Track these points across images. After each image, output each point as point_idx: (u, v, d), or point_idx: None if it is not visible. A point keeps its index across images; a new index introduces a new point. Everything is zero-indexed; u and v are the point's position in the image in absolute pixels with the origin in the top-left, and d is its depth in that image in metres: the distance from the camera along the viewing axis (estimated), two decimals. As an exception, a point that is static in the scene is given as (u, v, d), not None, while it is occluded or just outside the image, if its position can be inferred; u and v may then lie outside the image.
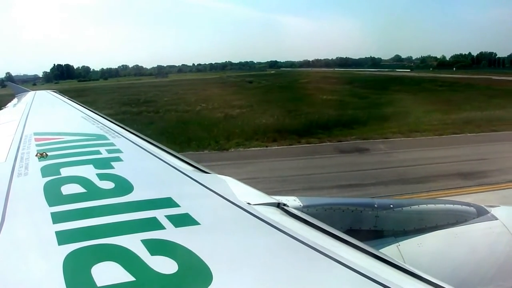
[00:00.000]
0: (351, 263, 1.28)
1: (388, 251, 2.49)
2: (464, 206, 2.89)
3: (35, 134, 3.54)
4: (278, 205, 1.84)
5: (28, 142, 3.20)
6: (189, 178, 2.19)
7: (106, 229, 1.48)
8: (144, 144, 3.14)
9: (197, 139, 19.93)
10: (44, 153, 2.67)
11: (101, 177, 2.11)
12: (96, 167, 2.33)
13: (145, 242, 1.36)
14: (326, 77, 79.22)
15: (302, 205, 2.53)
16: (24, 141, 3.26)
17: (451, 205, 2.87)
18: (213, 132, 21.49)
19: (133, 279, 1.15)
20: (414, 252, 2.59)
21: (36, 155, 2.66)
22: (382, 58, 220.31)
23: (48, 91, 10.22)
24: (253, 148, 18.88)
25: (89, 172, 2.21)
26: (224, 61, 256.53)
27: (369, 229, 2.64)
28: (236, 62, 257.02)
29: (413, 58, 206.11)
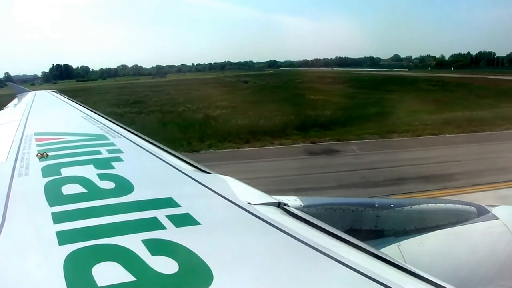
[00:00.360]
0: (351, 263, 1.27)
1: (389, 250, 2.49)
2: (464, 206, 2.89)
3: (36, 134, 3.54)
4: (279, 205, 1.84)
5: (29, 142, 3.20)
6: (189, 178, 2.19)
7: (106, 229, 1.48)
8: (145, 144, 3.14)
9: (171, 140, 19.70)
10: (45, 153, 2.67)
11: (102, 177, 2.11)
12: (96, 167, 2.33)
13: (146, 242, 1.36)
14: (322, 77, 79.49)
15: (302, 205, 2.53)
16: (24, 141, 3.26)
17: (452, 205, 2.87)
18: (188, 134, 21.51)
19: (133, 279, 1.15)
20: (415, 252, 2.59)
21: (37, 155, 2.66)
22: (381, 58, 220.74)
23: (49, 91, 10.23)
24: (224, 150, 18.85)
25: (89, 172, 2.21)
26: (223, 61, 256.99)
27: (369, 229, 2.64)
28: (236, 62, 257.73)
29: (413, 58, 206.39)
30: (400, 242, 2.62)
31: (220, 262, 1.26)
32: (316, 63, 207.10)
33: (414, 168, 14.37)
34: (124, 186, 1.98)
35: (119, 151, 2.80)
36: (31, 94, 9.49)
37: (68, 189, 1.95)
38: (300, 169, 14.72)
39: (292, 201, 2.51)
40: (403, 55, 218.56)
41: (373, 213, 2.65)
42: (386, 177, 13.39)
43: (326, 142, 19.74)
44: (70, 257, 1.28)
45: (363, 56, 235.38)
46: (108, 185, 2.01)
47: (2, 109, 7.28)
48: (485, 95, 38.26)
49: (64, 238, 1.42)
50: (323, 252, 1.35)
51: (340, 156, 17.24)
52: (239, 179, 2.15)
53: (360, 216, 2.64)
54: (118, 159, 2.54)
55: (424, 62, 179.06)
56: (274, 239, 1.47)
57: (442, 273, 1.88)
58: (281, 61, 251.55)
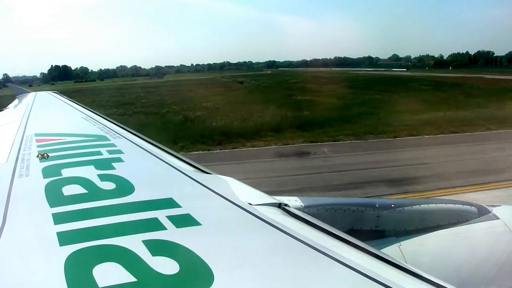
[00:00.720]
0: (352, 263, 1.27)
1: (390, 251, 2.49)
2: (465, 206, 2.89)
3: (36, 135, 3.54)
4: (280, 206, 1.85)
5: (29, 143, 3.21)
6: (190, 179, 2.19)
7: (107, 229, 1.48)
8: (145, 145, 3.15)
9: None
10: (45, 154, 2.67)
11: (102, 177, 2.12)
12: (97, 168, 2.33)
13: (147, 243, 1.36)
14: (318, 77, 79.62)
15: (303, 205, 2.53)
16: (25, 142, 3.26)
17: (453, 205, 2.87)
18: (163, 135, 21.13)
19: (134, 279, 1.15)
20: (416, 252, 2.58)
21: (37, 156, 2.67)
22: (380, 58, 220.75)
23: (49, 92, 10.25)
24: (194, 152, 18.58)
25: (90, 173, 2.21)
26: (222, 62, 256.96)
27: (370, 229, 2.64)
28: (235, 62, 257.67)
29: (412, 58, 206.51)
30: (401, 242, 2.62)
31: (221, 263, 1.26)
32: (315, 63, 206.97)
33: (376, 172, 14.15)
34: (124, 187, 1.98)
35: (119, 151, 2.80)
36: (31, 95, 9.50)
37: (69, 190, 1.95)
38: (260, 172, 14.39)
39: (293, 201, 2.50)
40: (402, 55, 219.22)
41: (374, 213, 2.65)
42: (349, 181, 13.17)
43: (298, 144, 19.42)
44: (71, 258, 1.28)
45: (362, 56, 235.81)
46: (109, 185, 2.01)
47: (3, 110, 7.29)
48: (476, 95, 38.21)
49: (65, 238, 1.42)
50: (324, 252, 1.35)
51: (307, 159, 16.91)
52: (240, 180, 2.16)
53: (361, 216, 2.64)
54: (119, 160, 2.54)
55: (422, 62, 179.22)
56: (275, 239, 1.47)
57: (443, 273, 1.88)
58: (280, 61, 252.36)
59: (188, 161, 2.59)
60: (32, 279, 1.23)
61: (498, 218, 2.83)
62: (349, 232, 1.99)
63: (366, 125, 22.90)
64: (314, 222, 1.66)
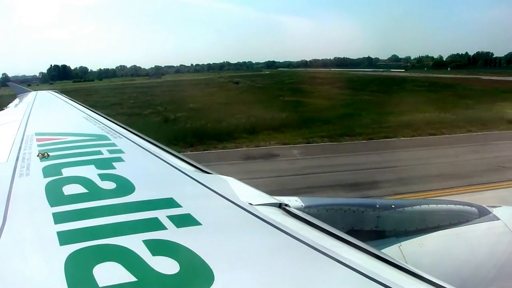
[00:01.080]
0: (353, 264, 1.28)
1: (390, 251, 2.49)
2: (466, 206, 2.89)
3: (37, 134, 3.55)
4: (280, 206, 1.85)
5: (30, 142, 3.21)
6: (190, 179, 2.19)
7: (107, 229, 1.48)
8: (146, 145, 3.15)
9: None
10: (46, 153, 2.67)
11: (103, 177, 2.12)
12: (97, 167, 2.33)
13: (147, 243, 1.36)
14: (315, 77, 79.48)
15: (303, 205, 2.53)
16: (25, 141, 3.27)
17: (453, 205, 2.87)
18: None
19: (134, 279, 1.16)
20: (416, 253, 2.58)
21: (38, 155, 2.67)
22: (380, 58, 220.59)
23: (50, 91, 10.27)
24: None
25: (90, 172, 2.21)
26: (222, 62, 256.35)
27: (370, 230, 2.64)
28: (234, 62, 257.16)
29: (412, 58, 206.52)
30: (401, 243, 2.62)
31: (221, 263, 1.27)
32: (314, 63, 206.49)
33: (335, 175, 13.94)
34: (125, 187, 1.98)
35: (120, 151, 2.80)
36: (32, 94, 9.53)
37: (69, 189, 1.95)
38: (228, 175, 13.92)
39: (293, 201, 2.50)
40: (402, 55, 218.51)
41: (374, 214, 2.65)
42: (304, 185, 12.87)
43: (270, 146, 19.12)
44: (71, 258, 1.28)
45: (362, 57, 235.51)
46: (109, 185, 2.01)
47: (3, 109, 7.31)
48: (468, 96, 38.12)
49: (65, 238, 1.42)
50: (324, 252, 1.35)
51: (272, 161, 16.65)
52: (240, 180, 2.16)
53: (361, 216, 2.64)
54: (119, 160, 2.55)
55: (421, 63, 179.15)
56: (275, 239, 1.47)
57: (443, 274, 1.88)
58: (280, 61, 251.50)
59: (189, 161, 2.60)
60: (32, 279, 1.22)
61: (498, 219, 2.83)
62: (349, 233, 2.00)
63: (345, 127, 22.71)
64: (315, 222, 1.66)
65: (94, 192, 1.91)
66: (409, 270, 1.31)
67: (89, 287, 1.13)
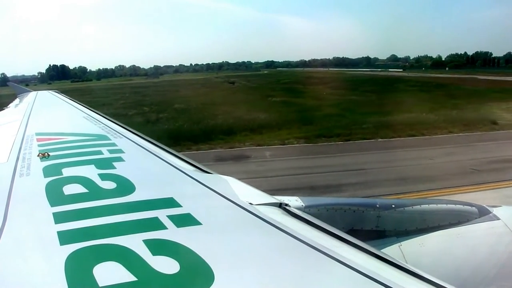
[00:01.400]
0: (353, 263, 1.28)
1: (390, 251, 2.49)
2: (466, 206, 2.89)
3: (37, 134, 3.55)
4: (280, 205, 1.85)
5: (30, 142, 3.21)
6: (190, 178, 2.19)
7: (107, 229, 1.49)
8: (146, 144, 3.15)
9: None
10: (46, 153, 2.67)
11: (103, 177, 2.12)
12: (98, 167, 2.33)
13: (147, 242, 1.36)
14: (311, 77, 79.52)
15: (304, 205, 2.53)
16: (26, 141, 3.27)
17: (453, 205, 2.87)
18: None
19: (135, 279, 1.16)
20: (416, 252, 2.58)
21: (38, 155, 2.67)
22: (379, 58, 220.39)
23: (50, 91, 10.28)
24: None
25: (91, 172, 2.22)
26: (221, 61, 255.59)
27: (371, 229, 2.64)
28: (234, 62, 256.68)
29: (411, 58, 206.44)
30: (401, 243, 2.62)
31: (221, 262, 1.27)
32: (313, 63, 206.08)
33: (299, 178, 13.67)
34: (125, 186, 1.98)
35: (120, 151, 2.81)
36: (32, 94, 9.54)
37: (70, 189, 1.95)
38: None
39: (293, 201, 2.51)
40: (401, 55, 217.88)
41: (374, 214, 2.65)
42: (266, 188, 12.38)
43: (244, 148, 18.93)
44: (71, 257, 1.28)
45: (361, 56, 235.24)
46: (109, 185, 2.02)
47: (4, 109, 7.31)
48: (458, 96, 37.95)
49: (65, 238, 1.42)
50: (325, 252, 1.35)
51: (241, 163, 16.39)
52: (240, 179, 2.16)
53: (361, 216, 2.64)
54: (119, 159, 2.55)
55: (420, 62, 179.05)
56: (276, 239, 1.47)
57: (443, 274, 1.88)
58: (279, 61, 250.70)
59: (189, 161, 2.60)
60: (32, 279, 1.23)
61: (498, 219, 2.83)
62: (349, 232, 2.00)
63: (324, 128, 22.50)
64: (315, 222, 1.66)
65: (94, 192, 1.91)
66: (409, 270, 1.31)
67: (89, 287, 1.13)
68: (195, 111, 31.52)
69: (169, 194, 1.85)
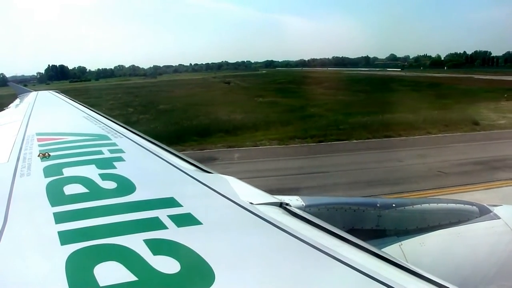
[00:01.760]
0: (353, 263, 1.28)
1: (391, 250, 2.48)
2: (466, 205, 2.88)
3: (38, 134, 3.55)
4: (281, 205, 1.85)
5: (31, 142, 3.21)
6: (191, 178, 2.19)
7: (108, 229, 1.49)
8: (146, 144, 3.15)
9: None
10: (47, 153, 2.67)
11: (104, 177, 2.12)
12: (98, 167, 2.33)
13: (148, 242, 1.36)
14: (307, 77, 79.39)
15: (304, 204, 2.53)
16: (26, 142, 3.27)
17: (454, 204, 2.86)
18: None
19: (135, 279, 1.16)
20: (417, 251, 2.58)
21: (39, 155, 2.67)
22: (378, 57, 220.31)
23: (50, 91, 10.27)
24: None
25: (91, 172, 2.22)
26: (220, 61, 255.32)
27: (371, 229, 2.63)
28: (233, 62, 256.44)
29: (410, 57, 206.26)
30: (402, 242, 2.62)
31: (222, 262, 1.27)
32: (313, 63, 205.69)
33: (262, 181, 12.40)
34: (125, 186, 1.98)
35: (120, 151, 2.81)
36: (32, 95, 9.54)
37: (70, 189, 1.95)
38: None
39: (294, 200, 2.50)
40: (400, 54, 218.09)
41: (375, 213, 2.64)
42: None
43: (215, 149, 18.55)
44: (72, 257, 1.28)
45: (360, 56, 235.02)
46: (110, 185, 2.02)
47: (4, 110, 7.31)
48: (449, 95, 37.47)
49: (66, 238, 1.42)
50: (325, 251, 1.35)
51: (213, 165, 15.66)
52: (241, 179, 2.15)
53: (362, 215, 2.64)
54: (120, 159, 2.55)
55: (419, 62, 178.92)
56: (276, 238, 1.48)
57: (444, 273, 1.88)
58: (279, 61, 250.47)
59: (189, 160, 2.60)
60: (33, 278, 1.23)
61: (499, 218, 2.83)
62: (350, 232, 2.00)
63: (301, 129, 22.08)
64: (315, 222, 1.66)
65: (95, 191, 1.91)
66: (410, 269, 1.31)
67: (90, 287, 1.13)
68: (179, 112, 31.35)
69: (169, 194, 1.84)
